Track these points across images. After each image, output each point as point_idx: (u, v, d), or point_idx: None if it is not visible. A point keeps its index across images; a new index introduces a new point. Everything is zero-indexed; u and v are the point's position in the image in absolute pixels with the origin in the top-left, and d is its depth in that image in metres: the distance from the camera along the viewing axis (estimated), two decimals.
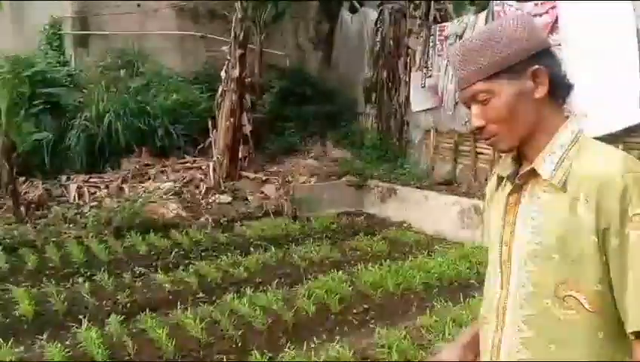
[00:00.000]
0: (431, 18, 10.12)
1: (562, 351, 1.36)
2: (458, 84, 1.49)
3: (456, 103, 9.20)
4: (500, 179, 1.56)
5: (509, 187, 1.50)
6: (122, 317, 5.00)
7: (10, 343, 4.41)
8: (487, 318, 1.51)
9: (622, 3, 6.75)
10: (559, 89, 1.44)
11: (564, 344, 1.36)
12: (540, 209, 1.40)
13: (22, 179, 8.68)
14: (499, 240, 1.48)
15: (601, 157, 1.37)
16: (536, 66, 1.39)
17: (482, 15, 8.84)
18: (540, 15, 7.82)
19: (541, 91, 1.40)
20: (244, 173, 9.87)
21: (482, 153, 8.97)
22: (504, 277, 1.45)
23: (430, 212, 8.54)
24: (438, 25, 9.93)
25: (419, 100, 10.20)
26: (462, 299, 5.44)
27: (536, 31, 1.46)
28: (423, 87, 10.07)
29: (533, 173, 1.43)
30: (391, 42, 10.94)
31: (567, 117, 1.47)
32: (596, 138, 1.50)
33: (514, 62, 1.39)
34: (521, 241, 1.42)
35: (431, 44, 9.96)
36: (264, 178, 9.82)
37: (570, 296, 1.34)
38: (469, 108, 1.48)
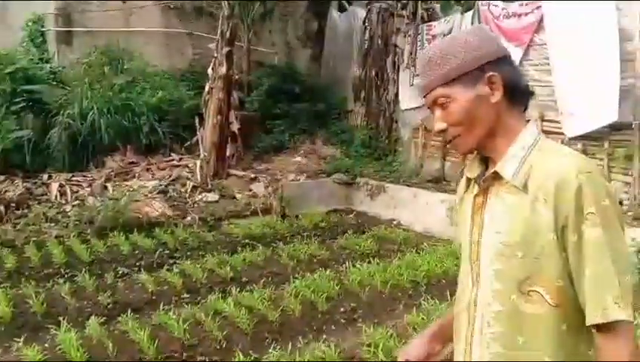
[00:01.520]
0: (418, 17, 10.19)
1: (529, 343, 1.44)
2: (421, 90, 1.58)
3: None
4: (468, 180, 1.63)
5: (476, 189, 1.58)
6: (103, 318, 4.94)
7: None
8: (460, 314, 1.58)
9: (605, 3, 6.84)
10: (517, 94, 1.52)
11: (530, 336, 1.43)
12: (504, 209, 1.47)
13: (2, 177, 8.61)
14: (469, 240, 1.56)
15: (558, 159, 1.45)
16: (491, 73, 1.48)
17: (469, 14, 8.93)
18: (526, 14, 7.89)
19: (496, 96, 1.48)
20: (232, 171, 9.85)
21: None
22: (474, 275, 1.53)
23: (419, 209, 8.57)
24: (426, 24, 10.01)
25: (407, 98, 10.27)
26: (449, 297, 5.37)
27: (492, 40, 1.55)
28: (411, 85, 10.12)
29: (497, 175, 1.50)
30: (379, 41, 11.02)
31: (528, 121, 1.55)
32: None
33: (470, 69, 1.48)
34: (488, 241, 1.49)
35: (419, 43, 10.02)
36: (252, 176, 9.81)
37: (534, 290, 1.43)
38: (433, 113, 1.56)
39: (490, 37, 1.57)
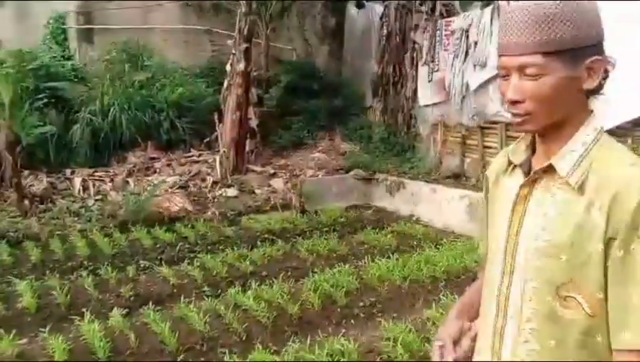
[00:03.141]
0: (437, 13, 10.11)
1: (560, 349, 1.36)
2: (506, 47, 1.37)
3: (464, 98, 9.17)
4: (509, 163, 1.52)
5: (519, 176, 1.46)
6: (125, 310, 5.02)
7: (12, 335, 4.41)
8: (488, 301, 1.51)
9: None
10: (597, 87, 1.37)
11: (561, 341, 1.35)
12: (554, 206, 1.36)
13: (26, 172, 8.70)
14: (506, 228, 1.44)
15: (622, 169, 1.32)
16: (597, 57, 1.32)
17: (488, 10, 8.82)
18: None
19: (591, 83, 1.34)
20: (251, 167, 9.90)
21: (490, 147, 8.97)
22: (507, 267, 1.43)
23: (438, 205, 8.53)
24: (444, 20, 9.92)
25: (426, 94, 10.23)
26: None
27: (600, 19, 1.35)
28: (430, 81, 10.08)
29: (550, 169, 1.38)
30: (397, 37, 10.94)
31: (592, 111, 1.41)
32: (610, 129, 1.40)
33: (580, 45, 1.31)
34: (530, 235, 1.39)
35: (437, 39, 9.95)
36: (272, 171, 9.84)
37: (572, 296, 1.33)
38: (504, 76, 1.39)
39: (599, 13, 1.37)
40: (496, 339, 1.45)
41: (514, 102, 1.36)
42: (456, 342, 1.63)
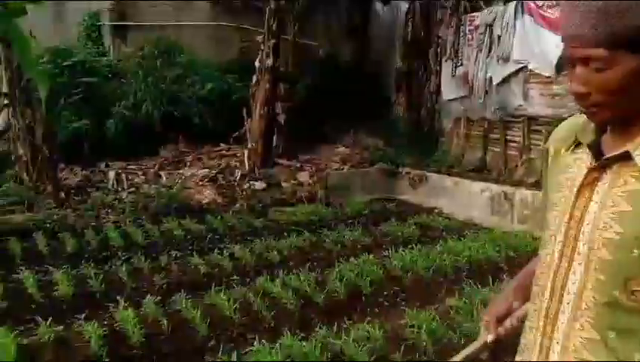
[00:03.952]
0: (461, 8, 10.14)
1: (620, 341, 1.29)
2: (572, 40, 1.28)
3: (487, 92, 9.21)
4: (575, 141, 1.43)
5: (584, 156, 1.38)
6: (158, 298, 5.07)
7: (49, 322, 4.48)
8: (541, 282, 1.43)
9: None
10: None
11: (623, 334, 1.28)
12: (627, 197, 1.26)
13: (62, 165, 8.88)
14: (568, 212, 1.35)
15: None
16: None
17: (512, 5, 8.84)
18: None
19: None
20: (278, 161, 10.00)
21: (512, 141, 9.00)
22: (567, 252, 1.35)
23: (461, 198, 8.57)
24: (468, 15, 9.94)
25: (449, 89, 10.27)
26: (491, 282, 5.44)
27: None
28: (453, 76, 10.13)
29: (623, 157, 1.28)
30: (422, 32, 11.01)
31: None
32: None
33: None
34: (598, 224, 1.29)
35: (461, 34, 10.00)
36: (298, 165, 9.95)
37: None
38: (572, 65, 1.30)
39: None
40: (548, 322, 1.38)
41: (579, 95, 1.29)
42: (500, 321, 1.61)
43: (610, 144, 1.33)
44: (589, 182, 1.33)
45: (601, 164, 1.31)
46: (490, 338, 1.62)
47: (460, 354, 1.65)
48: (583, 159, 1.38)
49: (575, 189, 1.35)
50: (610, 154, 1.30)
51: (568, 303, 1.34)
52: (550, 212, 1.43)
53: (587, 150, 1.37)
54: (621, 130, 1.32)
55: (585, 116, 1.37)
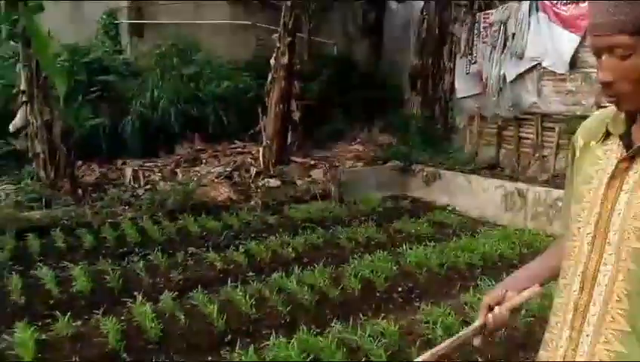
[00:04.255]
0: (476, 6, 10.15)
1: None
2: (594, 27, 1.32)
3: (500, 89, 9.21)
4: (606, 133, 1.44)
5: (614, 146, 1.39)
6: (175, 293, 5.11)
7: (67, 317, 4.53)
8: (569, 275, 1.43)
9: None
10: None
11: None
12: None
13: (79, 162, 8.91)
14: (598, 203, 1.37)
15: None
16: None
17: (526, 2, 8.84)
18: (584, 0, 7.77)
19: None
20: (292, 158, 10.01)
21: (525, 138, 9.02)
22: (598, 244, 1.35)
23: (474, 195, 8.57)
24: (483, 12, 9.95)
25: (463, 86, 10.28)
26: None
27: None
28: (467, 73, 10.13)
29: None
30: (436, 30, 11.01)
31: None
32: None
33: None
34: (629, 214, 1.30)
35: (475, 32, 10.01)
36: (312, 163, 9.95)
37: None
38: (599, 56, 1.33)
39: None
40: (577, 316, 1.38)
41: (605, 84, 1.31)
42: (492, 309, 1.61)
43: (639, 134, 1.34)
44: (619, 173, 1.34)
45: (632, 153, 1.32)
46: (476, 323, 1.63)
47: (450, 339, 1.67)
48: (613, 150, 1.39)
49: (605, 180, 1.36)
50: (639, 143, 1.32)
51: (600, 294, 1.33)
52: (578, 204, 1.43)
53: (617, 141, 1.38)
54: None
55: (614, 108, 1.40)
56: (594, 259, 1.35)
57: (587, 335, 1.35)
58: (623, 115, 1.38)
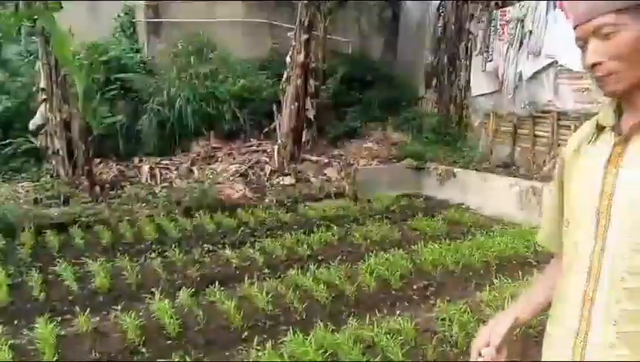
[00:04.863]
0: (492, 3, 10.09)
1: None
2: (579, 17, 1.37)
3: (516, 87, 9.18)
4: (598, 128, 1.47)
5: (607, 139, 1.42)
6: (192, 290, 5.16)
7: (86, 313, 4.58)
8: (575, 267, 1.44)
9: None
10: None
11: None
12: None
13: (97, 160, 9.03)
14: (597, 191, 1.38)
15: None
16: None
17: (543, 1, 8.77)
18: None
19: None
20: (307, 156, 10.05)
21: (541, 136, 8.99)
22: (600, 229, 1.37)
23: (489, 194, 8.55)
24: (500, 9, 9.89)
25: (479, 84, 10.24)
26: (521, 277, 5.46)
27: None
28: (483, 71, 10.08)
29: None
30: (452, 27, 10.99)
31: None
32: None
33: None
34: (631, 189, 1.32)
35: (492, 29, 9.96)
36: (326, 161, 9.98)
37: None
38: (583, 47, 1.39)
39: None
40: (586, 306, 1.39)
41: (595, 65, 1.35)
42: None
43: (629, 121, 1.37)
44: (615, 157, 1.37)
45: (625, 137, 1.36)
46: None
47: None
48: (607, 140, 1.42)
49: (602, 166, 1.38)
50: (634, 122, 1.35)
51: (597, 280, 1.37)
52: (575, 201, 1.47)
53: (610, 133, 1.42)
54: (635, 107, 1.37)
55: (601, 110, 1.46)
56: (598, 247, 1.37)
57: (597, 322, 1.37)
58: (611, 110, 1.43)
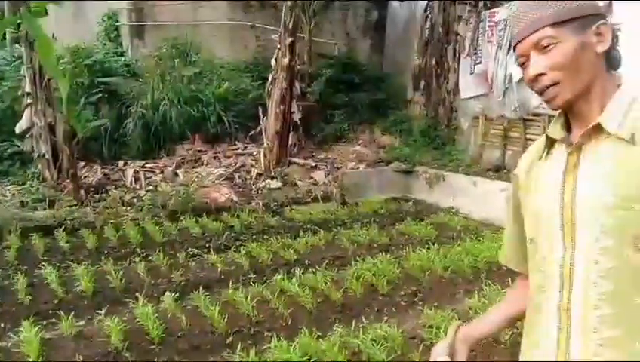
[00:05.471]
0: (481, 4, 10.07)
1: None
2: (519, 34, 1.44)
3: (506, 89, 9.16)
4: (549, 143, 1.51)
5: (560, 152, 1.46)
6: (176, 294, 5.13)
7: (71, 317, 4.57)
8: (545, 286, 1.44)
9: None
10: (613, 55, 1.42)
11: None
12: (611, 161, 1.35)
13: (82, 164, 8.98)
14: (558, 200, 1.41)
15: None
16: (601, 22, 1.39)
17: None
18: None
19: (603, 46, 1.38)
20: (293, 160, 10.00)
21: (532, 139, 8.88)
22: (567, 239, 1.39)
23: (478, 198, 8.51)
24: (488, 11, 9.87)
25: (468, 87, 10.23)
26: (510, 283, 5.37)
27: None
28: (471, 73, 10.08)
29: (595, 132, 1.38)
30: (440, 29, 10.91)
31: (619, 86, 1.44)
32: None
33: (584, 14, 1.37)
34: (592, 195, 1.35)
35: (480, 31, 9.94)
36: (313, 164, 9.94)
37: None
38: (523, 64, 1.46)
39: None
40: (563, 317, 1.39)
41: (537, 78, 1.41)
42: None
43: (578, 132, 1.42)
44: (571, 168, 1.41)
45: (577, 145, 1.40)
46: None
47: None
48: (560, 153, 1.46)
49: (560, 178, 1.42)
50: (584, 130, 1.39)
51: (570, 291, 1.38)
52: (536, 218, 1.49)
53: (561, 146, 1.46)
54: (582, 118, 1.42)
55: (551, 125, 1.52)
56: (568, 253, 1.39)
57: (576, 332, 1.37)
58: (559, 125, 1.49)
